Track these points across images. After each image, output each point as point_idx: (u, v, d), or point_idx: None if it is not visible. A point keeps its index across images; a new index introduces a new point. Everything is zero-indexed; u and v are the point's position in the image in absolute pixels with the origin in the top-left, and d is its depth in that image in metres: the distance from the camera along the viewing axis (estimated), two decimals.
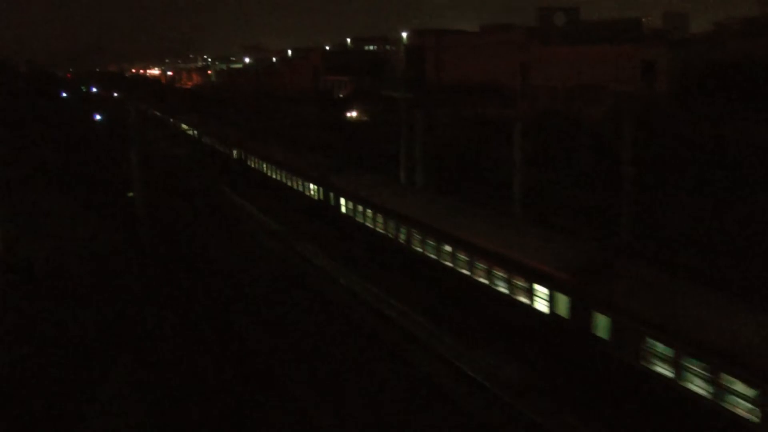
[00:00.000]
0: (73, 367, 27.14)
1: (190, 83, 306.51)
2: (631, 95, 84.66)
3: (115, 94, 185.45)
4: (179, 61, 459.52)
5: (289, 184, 53.50)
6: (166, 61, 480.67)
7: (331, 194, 44.47)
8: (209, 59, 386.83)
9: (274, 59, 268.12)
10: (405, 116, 50.07)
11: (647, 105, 77.50)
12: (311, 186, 48.19)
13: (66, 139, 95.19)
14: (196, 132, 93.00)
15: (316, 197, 47.40)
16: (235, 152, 70.35)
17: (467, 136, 73.69)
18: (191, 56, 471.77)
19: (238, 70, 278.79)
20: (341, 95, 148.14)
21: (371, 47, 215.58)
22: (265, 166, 60.16)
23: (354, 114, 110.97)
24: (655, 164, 51.02)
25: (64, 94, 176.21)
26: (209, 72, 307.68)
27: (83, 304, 33.42)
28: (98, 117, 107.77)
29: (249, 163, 65.22)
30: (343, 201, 42.67)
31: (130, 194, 45.32)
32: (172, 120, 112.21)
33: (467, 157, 63.34)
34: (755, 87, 72.99)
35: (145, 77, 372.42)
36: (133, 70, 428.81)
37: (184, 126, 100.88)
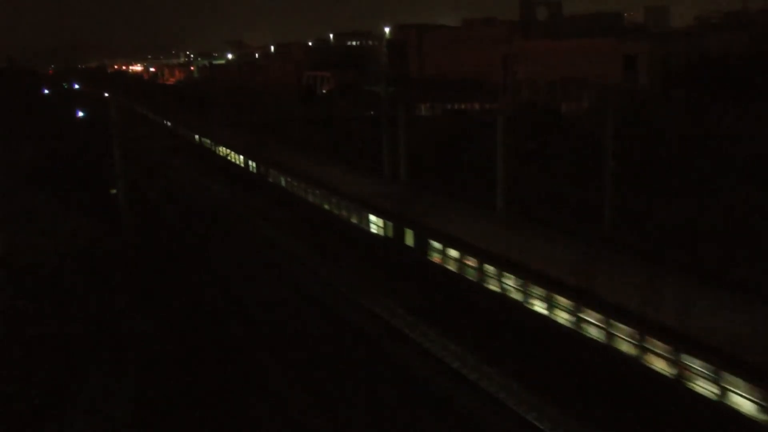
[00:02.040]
0: (56, 364, 27.13)
1: (172, 79, 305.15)
2: (613, 88, 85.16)
3: (106, 94, 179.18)
4: (161, 57, 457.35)
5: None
6: (149, 56, 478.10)
7: None
8: (192, 55, 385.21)
9: (256, 55, 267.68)
10: (386, 111, 50.11)
11: (629, 98, 78.04)
12: None
13: (48, 136, 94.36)
14: (258, 169, 62.48)
15: None
16: (435, 254, 34.42)
17: (449, 130, 73.80)
18: (173, 52, 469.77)
19: (220, 65, 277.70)
20: (324, 90, 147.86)
21: (354, 42, 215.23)
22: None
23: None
24: (636, 156, 51.43)
25: (46, 91, 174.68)
26: (192, 68, 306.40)
27: (64, 301, 33.35)
28: (80, 114, 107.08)
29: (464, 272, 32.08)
30: None
31: (113, 191, 45.12)
32: (199, 139, 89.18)
33: (450, 151, 63.48)
34: (735, 79, 73.72)
35: (127, 73, 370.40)
36: (116, 66, 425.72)
37: (223, 150, 74.71)
